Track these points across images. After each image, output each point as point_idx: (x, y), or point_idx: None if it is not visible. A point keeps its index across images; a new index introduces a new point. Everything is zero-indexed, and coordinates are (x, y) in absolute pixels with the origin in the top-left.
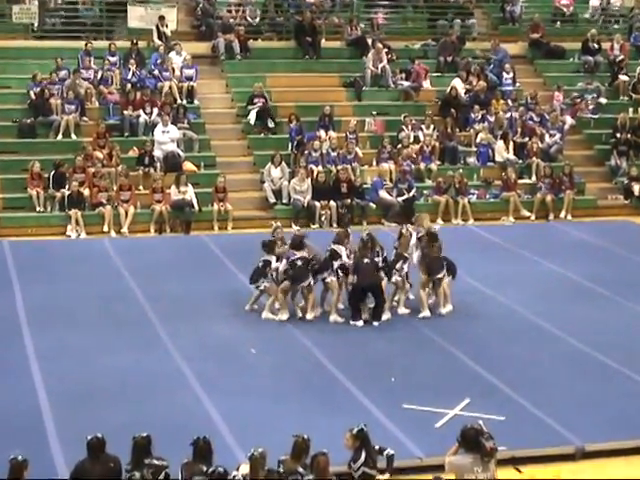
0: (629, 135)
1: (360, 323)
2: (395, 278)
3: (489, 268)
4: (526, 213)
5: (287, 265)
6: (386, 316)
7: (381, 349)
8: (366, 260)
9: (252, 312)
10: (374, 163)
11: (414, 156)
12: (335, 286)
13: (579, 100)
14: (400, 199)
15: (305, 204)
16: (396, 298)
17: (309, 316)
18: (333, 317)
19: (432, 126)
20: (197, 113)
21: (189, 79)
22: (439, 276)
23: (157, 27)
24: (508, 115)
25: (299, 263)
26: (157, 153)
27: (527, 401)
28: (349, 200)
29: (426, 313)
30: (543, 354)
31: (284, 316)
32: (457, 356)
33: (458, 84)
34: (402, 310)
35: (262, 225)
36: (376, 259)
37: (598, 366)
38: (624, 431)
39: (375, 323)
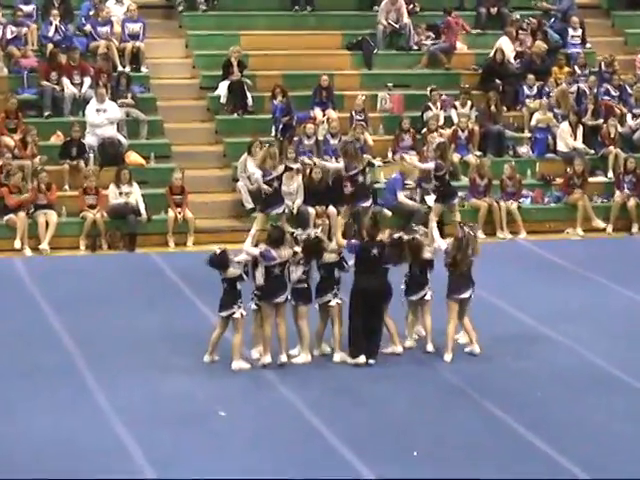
0: None
1: (362, 359)
2: (429, 294)
3: (548, 298)
4: (600, 224)
5: (262, 272)
6: (392, 349)
7: (395, 407)
8: (374, 251)
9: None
10: (390, 154)
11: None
12: (338, 311)
13: None
14: (431, 202)
15: (295, 210)
16: (417, 330)
17: (283, 358)
18: (339, 355)
19: (469, 103)
20: (145, 85)
21: (134, 38)
22: (464, 296)
23: None
24: (575, 88)
25: (276, 271)
26: (90, 140)
27: None
28: (355, 205)
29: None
30: (626, 420)
31: (267, 359)
32: (503, 419)
33: (506, 45)
34: (429, 347)
35: (235, 239)
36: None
37: None
38: None
39: (371, 361)
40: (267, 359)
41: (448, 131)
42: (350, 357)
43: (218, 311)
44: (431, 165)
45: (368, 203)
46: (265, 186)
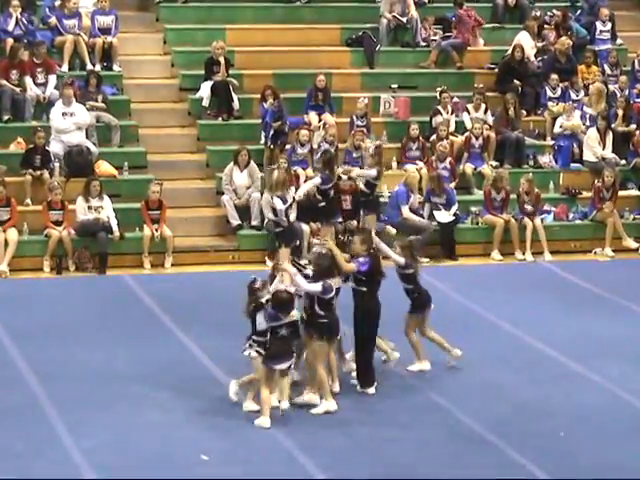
0: None
1: (372, 391)
2: None
3: (573, 328)
4: (632, 243)
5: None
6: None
7: (399, 450)
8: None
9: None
10: (394, 164)
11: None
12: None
13: None
14: (441, 219)
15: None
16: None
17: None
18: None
19: (484, 106)
20: (118, 85)
21: (105, 32)
22: (431, 307)
23: None
24: (605, 90)
25: (335, 304)
26: (55, 148)
27: None
28: (355, 222)
29: None
30: None
31: (332, 406)
32: (523, 465)
33: (525, 41)
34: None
35: (219, 260)
36: None
37: None
38: None
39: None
40: (332, 406)
41: (460, 138)
42: (360, 387)
43: (274, 363)
44: (373, 173)
45: (339, 220)
46: (285, 218)
